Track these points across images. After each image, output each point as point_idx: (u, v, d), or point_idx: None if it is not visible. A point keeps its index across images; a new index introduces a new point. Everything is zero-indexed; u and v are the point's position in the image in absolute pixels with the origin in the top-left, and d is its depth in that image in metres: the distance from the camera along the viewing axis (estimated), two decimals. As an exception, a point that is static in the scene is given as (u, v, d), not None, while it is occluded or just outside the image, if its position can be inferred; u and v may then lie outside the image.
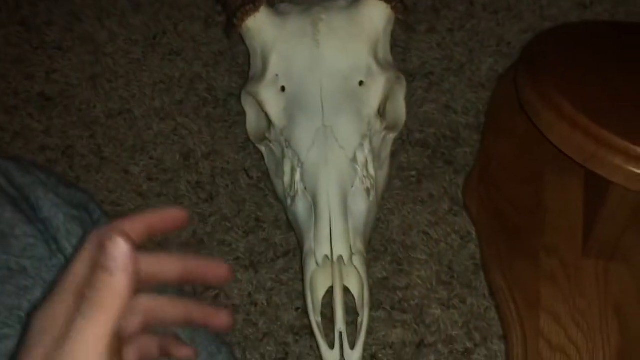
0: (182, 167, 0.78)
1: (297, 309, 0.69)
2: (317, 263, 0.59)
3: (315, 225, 0.60)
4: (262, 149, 0.71)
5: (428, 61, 0.83)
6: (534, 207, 0.71)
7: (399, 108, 0.70)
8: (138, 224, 0.35)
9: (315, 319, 0.60)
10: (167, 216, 0.35)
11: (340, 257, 0.58)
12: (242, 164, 0.78)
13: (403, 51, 0.84)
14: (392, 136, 0.69)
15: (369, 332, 0.65)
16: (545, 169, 0.73)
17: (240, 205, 0.75)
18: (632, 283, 0.66)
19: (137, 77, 0.85)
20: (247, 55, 0.85)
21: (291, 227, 0.73)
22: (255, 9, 0.65)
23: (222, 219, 0.75)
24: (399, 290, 0.69)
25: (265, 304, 0.70)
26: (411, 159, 0.77)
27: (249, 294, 0.70)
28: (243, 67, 0.85)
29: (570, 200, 0.70)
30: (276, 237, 0.73)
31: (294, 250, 0.72)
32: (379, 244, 0.72)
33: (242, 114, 0.81)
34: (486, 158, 0.75)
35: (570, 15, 0.85)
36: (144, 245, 0.35)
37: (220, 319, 0.34)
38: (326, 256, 0.59)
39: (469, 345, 0.67)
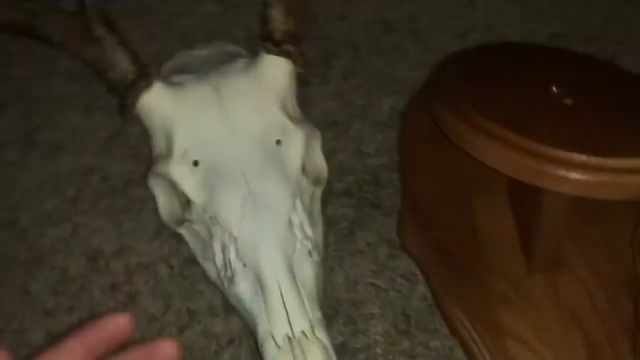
0: (91, 271, 0.69)
1: (256, 400, 0.62)
2: (277, 345, 0.53)
3: (267, 303, 0.54)
4: (183, 232, 0.64)
5: (330, 111, 0.82)
6: (469, 234, 0.70)
7: (319, 161, 0.67)
8: (74, 348, 0.29)
9: (285, 408, 0.54)
10: (107, 327, 0.30)
11: (302, 333, 0.53)
12: (159, 254, 0.70)
13: (304, 104, 0.81)
14: (319, 191, 0.65)
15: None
16: (470, 194, 0.73)
17: (166, 300, 0.67)
18: (581, 290, 0.66)
19: (18, 182, 0.75)
20: (140, 136, 0.79)
21: (230, 311, 0.66)
22: (148, 85, 0.60)
23: (150, 320, 0.66)
24: (360, 352, 0.65)
25: (220, 404, 0.62)
26: (338, 211, 0.74)
27: (200, 398, 0.62)
28: (137, 150, 0.78)
29: (502, 220, 0.71)
30: (215, 326, 0.66)
31: (238, 336, 0.66)
32: (328, 307, 0.67)
33: (147, 199, 0.74)
34: (411, 195, 0.74)
35: (451, 44, 0.88)
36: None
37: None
38: (286, 335, 0.53)
39: (443, 391, 0.63)
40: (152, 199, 0.74)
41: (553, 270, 0.67)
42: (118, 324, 0.30)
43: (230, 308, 0.67)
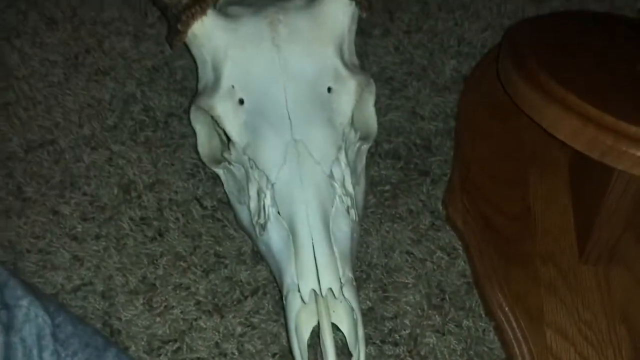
0: (123, 202, 0.67)
1: (274, 354, 0.60)
2: (302, 300, 0.50)
3: (297, 255, 0.51)
4: (220, 172, 0.61)
5: (387, 66, 0.77)
6: (522, 213, 0.65)
7: (370, 115, 0.63)
8: None
9: (304, 366, 0.51)
10: None
11: (330, 290, 0.50)
12: (193, 193, 0.68)
13: (359, 57, 0.76)
14: (365, 147, 0.61)
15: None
16: (528, 172, 0.68)
17: (195, 241, 0.65)
18: (636, 287, 0.61)
19: (60, 103, 0.73)
20: (188, 69, 0.76)
21: (258, 260, 0.64)
22: (202, 11, 0.56)
23: (176, 259, 0.64)
24: (388, 320, 0.61)
25: (237, 354, 0.60)
26: (383, 172, 0.69)
27: (216, 344, 0.60)
28: (182, 84, 0.75)
29: (558, 203, 0.66)
30: (241, 274, 0.64)
31: (264, 287, 0.63)
32: (360, 270, 0.64)
33: (187, 136, 0.72)
34: (464, 165, 0.69)
35: (527, 10, 0.81)
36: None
37: None
38: (313, 290, 0.50)
39: (471, 374, 0.60)
40: (193, 136, 0.71)
41: (606, 264, 0.62)
42: None
43: (258, 257, 0.64)
